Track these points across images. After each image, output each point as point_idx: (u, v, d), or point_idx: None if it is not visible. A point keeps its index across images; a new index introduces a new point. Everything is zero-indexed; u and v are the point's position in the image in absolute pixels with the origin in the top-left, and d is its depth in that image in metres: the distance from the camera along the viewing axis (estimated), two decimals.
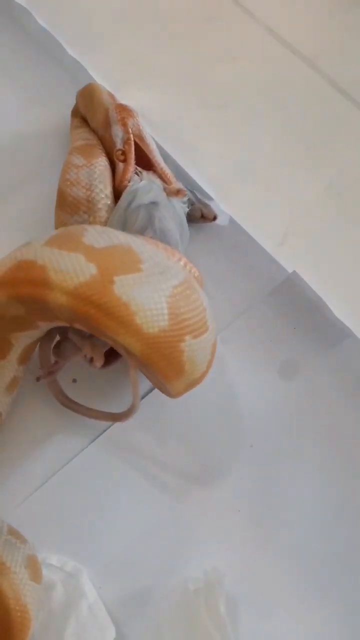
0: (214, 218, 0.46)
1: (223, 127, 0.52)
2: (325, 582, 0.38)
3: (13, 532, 0.37)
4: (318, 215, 0.49)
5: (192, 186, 0.47)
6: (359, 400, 0.42)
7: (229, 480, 0.40)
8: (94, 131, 0.46)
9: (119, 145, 0.43)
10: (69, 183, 0.42)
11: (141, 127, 0.44)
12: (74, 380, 0.42)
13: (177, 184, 0.44)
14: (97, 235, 0.35)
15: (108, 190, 0.43)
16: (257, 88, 0.54)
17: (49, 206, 0.44)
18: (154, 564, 0.39)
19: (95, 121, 0.45)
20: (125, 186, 0.42)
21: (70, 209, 0.42)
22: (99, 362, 0.38)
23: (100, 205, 0.42)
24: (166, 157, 0.47)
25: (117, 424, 0.41)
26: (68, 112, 0.49)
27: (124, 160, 0.43)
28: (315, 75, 0.54)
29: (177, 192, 0.43)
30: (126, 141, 0.43)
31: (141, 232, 0.40)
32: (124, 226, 0.40)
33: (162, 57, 0.54)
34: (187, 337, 0.34)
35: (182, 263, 0.38)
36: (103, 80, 0.50)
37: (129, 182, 0.42)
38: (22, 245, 0.36)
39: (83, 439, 0.41)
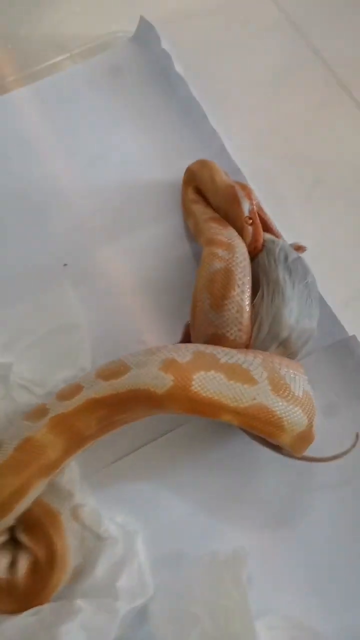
0: None
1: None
2: (335, 579, 0.47)
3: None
4: None
5: None
6: None
7: (262, 481, 0.50)
8: (214, 206, 0.57)
9: (246, 213, 0.54)
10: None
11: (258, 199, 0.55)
12: None
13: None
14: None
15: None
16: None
17: (161, 245, 0.58)
18: (193, 537, 0.48)
19: (219, 198, 0.56)
20: (260, 246, 0.53)
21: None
22: None
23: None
24: None
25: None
26: None
27: (252, 224, 0.53)
28: None
29: (299, 248, 0.54)
30: (252, 210, 0.54)
31: (305, 279, 0.50)
32: (290, 276, 0.50)
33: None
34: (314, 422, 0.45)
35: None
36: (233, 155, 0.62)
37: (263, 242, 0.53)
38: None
39: (153, 433, 0.51)
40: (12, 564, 0.45)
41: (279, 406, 0.44)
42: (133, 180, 0.63)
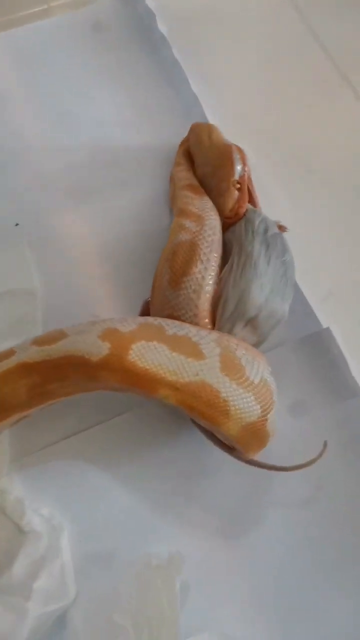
0: None
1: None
2: (281, 598, 0.41)
3: None
4: None
5: None
6: (351, 456, 0.46)
7: (215, 484, 0.45)
8: (203, 162, 0.52)
9: (237, 176, 0.49)
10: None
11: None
12: None
13: None
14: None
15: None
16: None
17: (146, 209, 0.53)
18: (127, 536, 0.43)
19: (213, 154, 0.51)
20: (241, 213, 0.48)
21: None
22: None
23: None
24: None
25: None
26: (173, 138, 0.56)
27: (240, 190, 0.49)
28: None
29: (280, 228, 0.48)
30: (242, 176, 0.49)
31: (282, 256, 0.46)
32: (267, 250, 0.46)
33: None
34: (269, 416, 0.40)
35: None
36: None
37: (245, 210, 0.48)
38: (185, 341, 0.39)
39: (104, 414, 0.46)
40: None
41: (225, 387, 0.38)
42: (105, 141, 0.58)
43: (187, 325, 0.41)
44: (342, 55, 0.64)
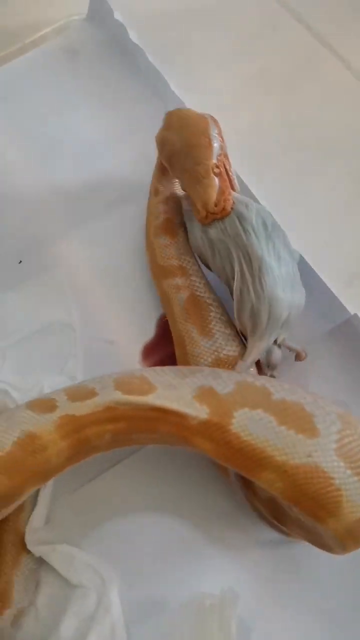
0: None
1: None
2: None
3: None
4: None
5: None
6: None
7: None
8: (178, 147, 0.45)
9: (214, 158, 0.43)
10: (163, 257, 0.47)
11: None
12: None
13: None
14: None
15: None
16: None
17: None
18: (175, 575, 0.40)
19: (187, 133, 0.45)
20: (229, 207, 0.42)
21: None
22: None
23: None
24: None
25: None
26: None
27: (219, 175, 0.43)
28: None
29: None
30: (220, 155, 0.43)
31: (286, 245, 0.42)
32: (274, 247, 0.42)
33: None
34: None
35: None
36: None
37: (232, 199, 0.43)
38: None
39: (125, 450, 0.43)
40: None
41: (340, 474, 0.31)
42: (96, 162, 0.56)
43: (299, 389, 0.36)
44: (324, 24, 0.60)
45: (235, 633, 0.35)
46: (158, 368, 0.38)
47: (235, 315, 0.43)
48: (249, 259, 0.42)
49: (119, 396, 0.35)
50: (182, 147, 0.45)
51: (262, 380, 0.36)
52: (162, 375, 0.37)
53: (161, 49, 0.58)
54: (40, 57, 0.62)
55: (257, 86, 0.59)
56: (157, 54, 0.58)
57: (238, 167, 0.48)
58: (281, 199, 0.51)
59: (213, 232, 0.43)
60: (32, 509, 0.40)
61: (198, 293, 0.45)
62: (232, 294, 0.43)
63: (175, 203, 0.49)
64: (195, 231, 0.45)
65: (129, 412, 0.35)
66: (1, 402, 0.44)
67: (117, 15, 0.59)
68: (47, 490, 0.41)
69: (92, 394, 0.36)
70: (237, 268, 0.42)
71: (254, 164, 0.53)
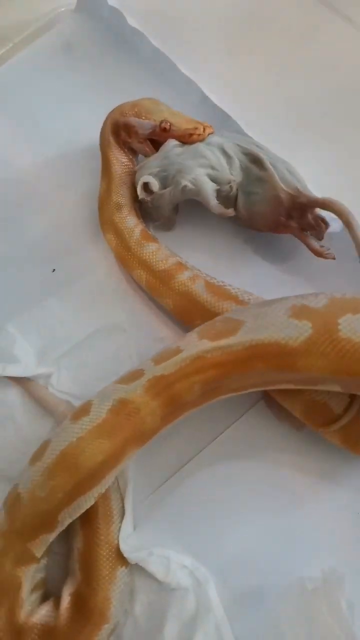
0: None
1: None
2: None
3: None
4: None
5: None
6: None
7: (347, 482, 0.40)
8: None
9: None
10: None
11: None
12: None
13: None
14: None
15: None
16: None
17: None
18: (269, 564, 0.39)
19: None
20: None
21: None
22: None
23: None
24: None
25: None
26: None
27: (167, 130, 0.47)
28: None
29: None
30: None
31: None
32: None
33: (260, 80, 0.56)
34: None
35: None
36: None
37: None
38: None
39: (201, 440, 0.43)
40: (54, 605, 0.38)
41: None
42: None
43: None
44: None
45: (348, 611, 0.34)
46: (238, 307, 0.38)
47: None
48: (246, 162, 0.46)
49: (206, 345, 0.35)
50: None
51: (351, 294, 0.36)
52: (242, 311, 0.37)
53: (160, 33, 0.56)
54: (33, 56, 0.60)
55: (260, 59, 0.57)
56: (156, 37, 0.56)
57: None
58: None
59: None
60: (121, 520, 0.39)
61: (207, 278, 0.45)
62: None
63: (134, 210, 0.49)
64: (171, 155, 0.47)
65: (218, 358, 0.35)
66: (64, 414, 0.43)
67: (112, 1, 0.57)
68: (130, 498, 0.40)
69: (176, 352, 0.37)
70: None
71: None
